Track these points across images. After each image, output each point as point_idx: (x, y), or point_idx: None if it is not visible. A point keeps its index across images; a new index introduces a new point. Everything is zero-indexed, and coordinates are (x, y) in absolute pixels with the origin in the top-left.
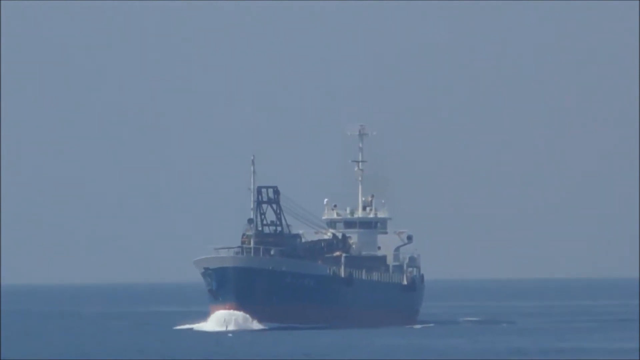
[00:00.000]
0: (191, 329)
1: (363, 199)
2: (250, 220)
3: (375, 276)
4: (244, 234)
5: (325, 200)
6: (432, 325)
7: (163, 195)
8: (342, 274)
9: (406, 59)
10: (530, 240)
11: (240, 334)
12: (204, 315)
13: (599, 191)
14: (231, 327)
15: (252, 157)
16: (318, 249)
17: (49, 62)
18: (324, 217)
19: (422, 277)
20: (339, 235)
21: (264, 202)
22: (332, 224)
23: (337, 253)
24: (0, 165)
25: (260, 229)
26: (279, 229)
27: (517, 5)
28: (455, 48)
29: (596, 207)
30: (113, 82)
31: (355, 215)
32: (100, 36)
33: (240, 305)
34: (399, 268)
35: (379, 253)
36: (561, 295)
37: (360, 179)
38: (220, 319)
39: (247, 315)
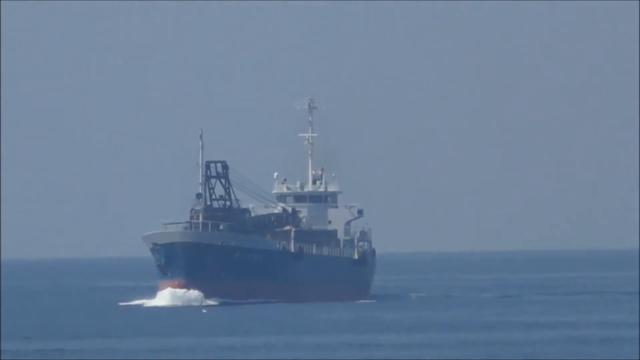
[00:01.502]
0: (140, 305)
1: (313, 172)
2: (198, 195)
3: (325, 251)
4: (192, 209)
5: (275, 174)
6: (374, 300)
7: (112, 171)
8: (292, 249)
9: (354, 31)
10: (480, 212)
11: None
12: (153, 291)
13: (540, 161)
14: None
15: (200, 132)
16: (267, 224)
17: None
18: (273, 192)
19: (373, 251)
20: (289, 210)
21: (213, 177)
22: (282, 198)
23: (287, 227)
24: None
25: (209, 203)
26: (227, 203)
27: None
28: (407, 16)
29: (540, 177)
30: (71, 53)
31: (305, 189)
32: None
33: (189, 280)
34: (350, 242)
35: (330, 227)
36: (512, 269)
37: (310, 152)
38: (187, 299)
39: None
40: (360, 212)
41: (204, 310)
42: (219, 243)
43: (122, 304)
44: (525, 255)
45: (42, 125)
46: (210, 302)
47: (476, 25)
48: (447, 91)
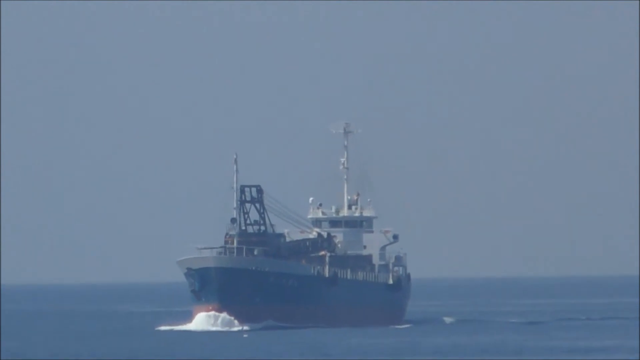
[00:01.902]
0: (175, 330)
1: (348, 197)
2: (233, 220)
3: (360, 275)
4: (227, 234)
5: (311, 199)
6: (410, 325)
7: (146, 195)
8: (327, 274)
9: (392, 56)
10: (518, 238)
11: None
12: (187, 316)
13: (590, 191)
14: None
15: (234, 156)
16: (302, 249)
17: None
18: (309, 216)
19: (408, 276)
20: (324, 235)
21: (247, 201)
22: (317, 223)
23: (322, 252)
24: None
25: (243, 228)
26: (262, 228)
27: (509, 5)
28: (443, 46)
29: (584, 206)
30: (98, 83)
31: (341, 214)
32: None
33: (223, 305)
34: (385, 267)
35: (365, 252)
36: (551, 294)
37: (345, 177)
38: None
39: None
40: (395, 237)
41: (245, 335)
42: (253, 268)
43: (159, 328)
44: (561, 281)
45: (74, 147)
46: (245, 327)
47: (516, 49)
48: (486, 116)
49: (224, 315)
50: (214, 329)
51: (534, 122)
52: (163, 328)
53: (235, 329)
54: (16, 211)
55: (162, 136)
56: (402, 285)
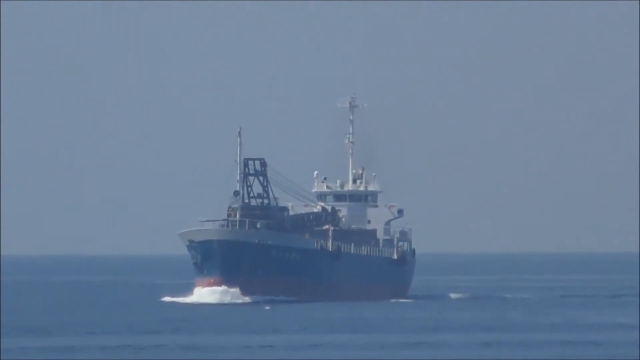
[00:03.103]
0: (179, 302)
1: (353, 171)
2: (236, 193)
3: (364, 250)
4: (230, 207)
5: (315, 172)
6: (415, 299)
7: (149, 168)
8: (330, 248)
9: (398, 31)
10: (524, 213)
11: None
12: (189, 288)
13: (595, 165)
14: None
15: (238, 129)
16: (306, 222)
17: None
18: (313, 190)
19: (413, 251)
20: (329, 209)
21: (251, 175)
22: (321, 197)
23: (326, 226)
24: None
25: (246, 201)
26: (265, 201)
27: None
28: (449, 20)
29: (591, 183)
30: (101, 55)
31: (345, 189)
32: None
33: (225, 278)
34: (390, 242)
35: (369, 227)
36: (556, 270)
37: (350, 151)
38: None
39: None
40: (400, 212)
41: (267, 307)
42: (256, 241)
43: (163, 299)
44: (566, 257)
45: (82, 121)
46: (247, 299)
47: (526, 27)
48: (491, 91)
49: (224, 288)
50: (215, 301)
51: (545, 97)
52: (166, 299)
53: (239, 301)
54: (19, 184)
55: (166, 109)
56: (406, 260)
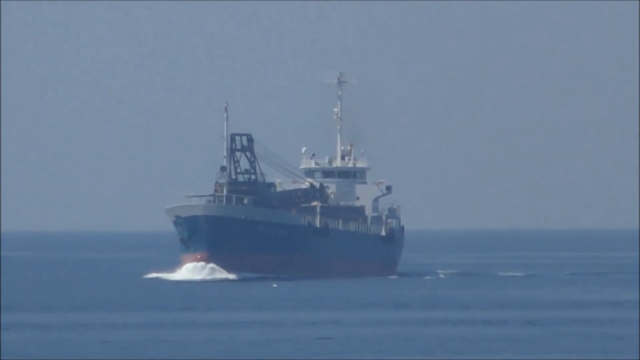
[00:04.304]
0: (162, 278)
1: (342, 148)
2: (223, 168)
3: (352, 227)
4: (216, 182)
5: (304, 149)
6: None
7: (137, 143)
8: (318, 224)
9: (387, 6)
10: (512, 190)
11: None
12: (175, 264)
13: (591, 143)
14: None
15: (225, 104)
16: (294, 199)
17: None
18: (301, 167)
19: (402, 228)
20: (317, 185)
21: (238, 150)
22: (309, 173)
23: (314, 203)
24: None
25: (233, 177)
26: (252, 177)
27: None
28: None
29: (586, 157)
30: (92, 31)
31: (334, 165)
32: None
33: (212, 254)
34: (378, 219)
35: (357, 203)
36: (542, 246)
37: (339, 127)
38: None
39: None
40: (389, 189)
41: (274, 285)
42: (243, 217)
43: (146, 276)
44: (555, 234)
45: (70, 99)
46: (232, 276)
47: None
48: (483, 67)
49: (210, 265)
50: (200, 277)
51: (534, 69)
52: (151, 275)
53: (223, 277)
54: (10, 160)
55: (153, 84)
56: (395, 237)
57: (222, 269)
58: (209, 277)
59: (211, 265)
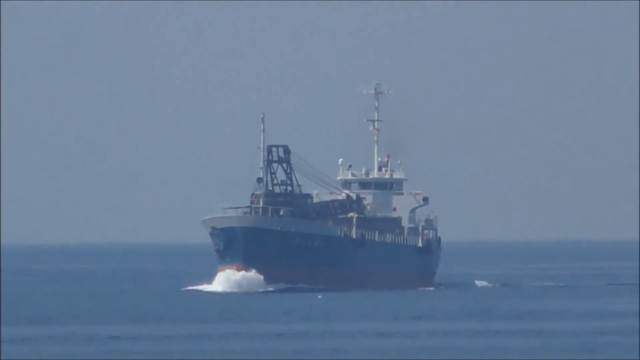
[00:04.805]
0: (201, 291)
1: (379, 159)
2: (259, 180)
3: (388, 238)
4: (253, 194)
5: (340, 160)
6: (435, 288)
7: (172, 154)
8: (354, 235)
9: (423, 17)
10: (550, 201)
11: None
12: (210, 276)
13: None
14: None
15: (262, 115)
16: (330, 210)
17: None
18: (338, 178)
19: (438, 239)
20: (353, 196)
21: (274, 161)
22: (346, 184)
23: (351, 214)
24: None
25: (270, 188)
26: (289, 188)
27: None
28: (475, 5)
29: (616, 171)
30: (123, 38)
31: (371, 176)
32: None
33: (248, 265)
34: (414, 230)
35: (394, 214)
36: (580, 257)
37: (376, 138)
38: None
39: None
40: (425, 200)
41: (319, 297)
42: (279, 228)
43: (185, 289)
44: (595, 245)
45: (103, 108)
46: (270, 287)
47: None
48: (517, 78)
49: (251, 275)
50: (237, 289)
51: (571, 86)
52: (189, 288)
53: (261, 290)
54: (38, 171)
55: (190, 94)
56: (431, 248)
57: (260, 280)
58: (249, 290)
59: (252, 275)
